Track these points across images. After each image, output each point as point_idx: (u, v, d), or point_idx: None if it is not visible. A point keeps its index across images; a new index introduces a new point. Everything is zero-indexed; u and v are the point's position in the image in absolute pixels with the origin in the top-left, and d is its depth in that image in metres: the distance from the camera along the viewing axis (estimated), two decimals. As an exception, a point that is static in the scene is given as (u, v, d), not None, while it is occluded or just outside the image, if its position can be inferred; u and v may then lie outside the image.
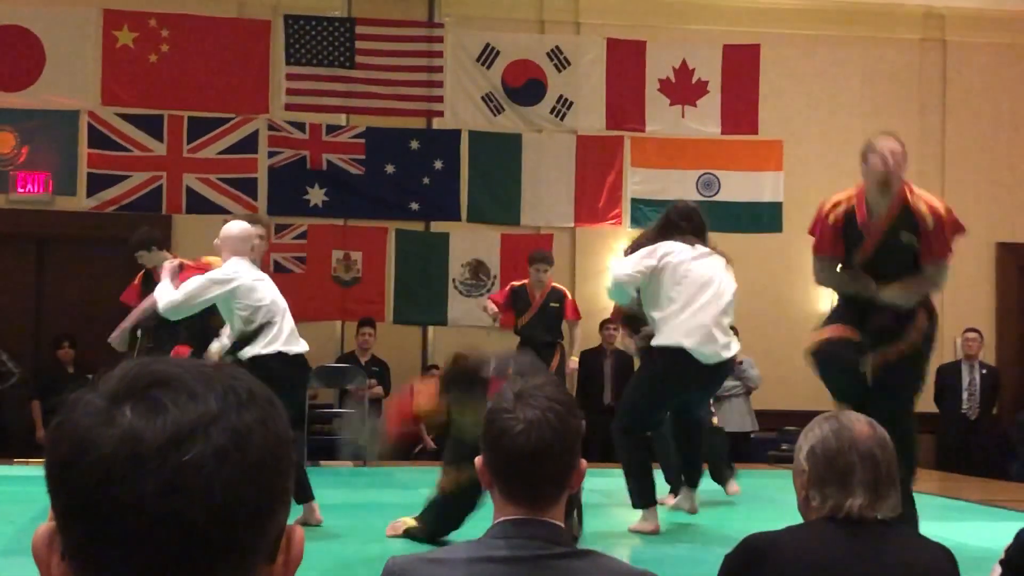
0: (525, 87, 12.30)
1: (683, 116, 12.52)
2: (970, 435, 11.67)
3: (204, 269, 6.75)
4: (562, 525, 2.15)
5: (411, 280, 12.11)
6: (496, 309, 9.88)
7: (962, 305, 11.91)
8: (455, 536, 5.42)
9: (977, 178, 12.83)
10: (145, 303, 7.55)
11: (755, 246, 12.16)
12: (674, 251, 6.42)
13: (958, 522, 6.48)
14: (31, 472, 8.52)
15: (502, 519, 2.13)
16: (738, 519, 7.02)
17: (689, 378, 6.39)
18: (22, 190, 11.57)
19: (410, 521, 5.74)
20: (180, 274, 6.57)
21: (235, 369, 0.97)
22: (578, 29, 12.57)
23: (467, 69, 12.24)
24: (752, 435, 11.48)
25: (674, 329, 6.31)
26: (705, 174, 12.49)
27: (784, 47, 12.59)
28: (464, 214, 12.23)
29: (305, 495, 6.28)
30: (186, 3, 11.85)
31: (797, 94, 12.70)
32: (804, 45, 12.71)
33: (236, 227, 6.54)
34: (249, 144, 11.89)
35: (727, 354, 6.49)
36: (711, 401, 7.91)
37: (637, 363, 7.62)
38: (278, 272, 10.98)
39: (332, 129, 12.06)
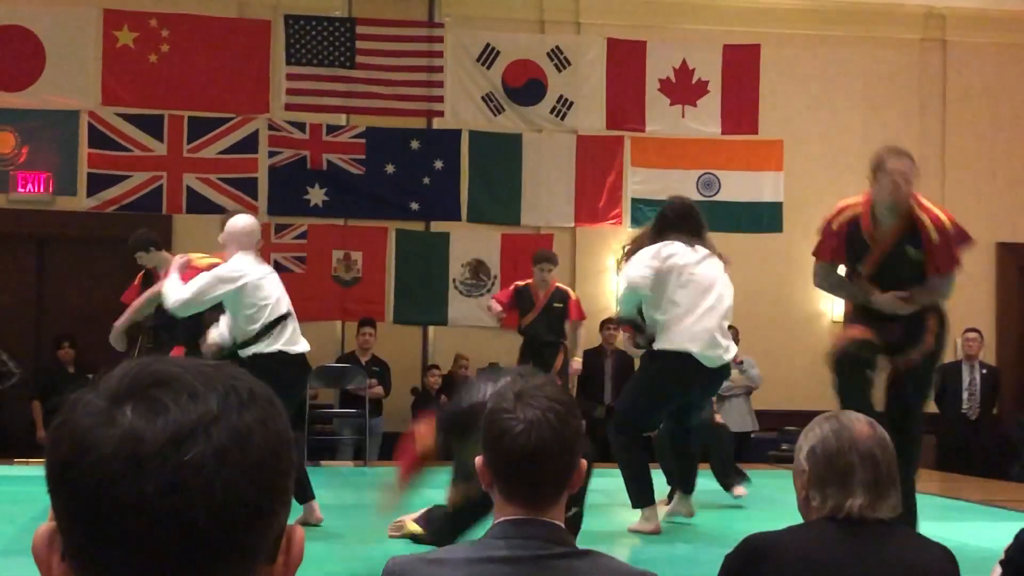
0: (525, 87, 12.30)
1: (683, 116, 12.52)
2: (970, 435, 11.67)
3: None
4: (562, 525, 2.15)
5: (411, 280, 12.11)
6: (500, 309, 9.89)
7: (962, 305, 11.85)
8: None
9: (977, 178, 12.83)
10: (137, 302, 7.53)
11: (755, 246, 12.16)
12: (678, 253, 6.42)
13: (958, 522, 6.49)
14: (31, 472, 8.53)
15: (502, 519, 2.13)
16: (738, 519, 7.03)
17: (692, 381, 6.47)
18: (22, 190, 11.57)
19: (410, 522, 5.73)
20: (185, 273, 6.53)
21: (236, 369, 0.97)
22: (578, 29, 12.57)
23: (467, 69, 12.25)
24: (752, 435, 11.48)
25: (679, 333, 6.36)
26: (705, 174, 12.49)
27: (784, 47, 12.59)
28: (464, 214, 12.23)
29: (305, 495, 6.28)
30: (186, 3, 11.85)
31: (797, 94, 12.70)
32: (804, 45, 12.71)
33: (241, 221, 6.53)
34: (249, 144, 11.89)
35: (728, 357, 6.59)
36: (714, 400, 7.92)
37: (637, 364, 7.62)
38: (278, 272, 10.95)
39: (332, 129, 12.06)
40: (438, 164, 12.18)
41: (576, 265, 12.20)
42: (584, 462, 2.20)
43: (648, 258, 6.42)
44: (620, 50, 12.42)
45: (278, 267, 11.44)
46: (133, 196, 11.66)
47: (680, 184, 12.10)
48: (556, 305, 9.93)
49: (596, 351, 11.32)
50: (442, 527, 5.51)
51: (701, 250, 6.52)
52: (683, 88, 12.51)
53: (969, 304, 12.22)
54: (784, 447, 10.87)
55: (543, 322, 9.90)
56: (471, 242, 12.21)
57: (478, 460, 2.20)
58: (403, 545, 5.51)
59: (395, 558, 2.16)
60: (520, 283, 10.12)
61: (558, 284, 10.12)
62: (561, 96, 12.36)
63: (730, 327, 6.79)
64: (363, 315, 11.68)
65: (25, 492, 7.27)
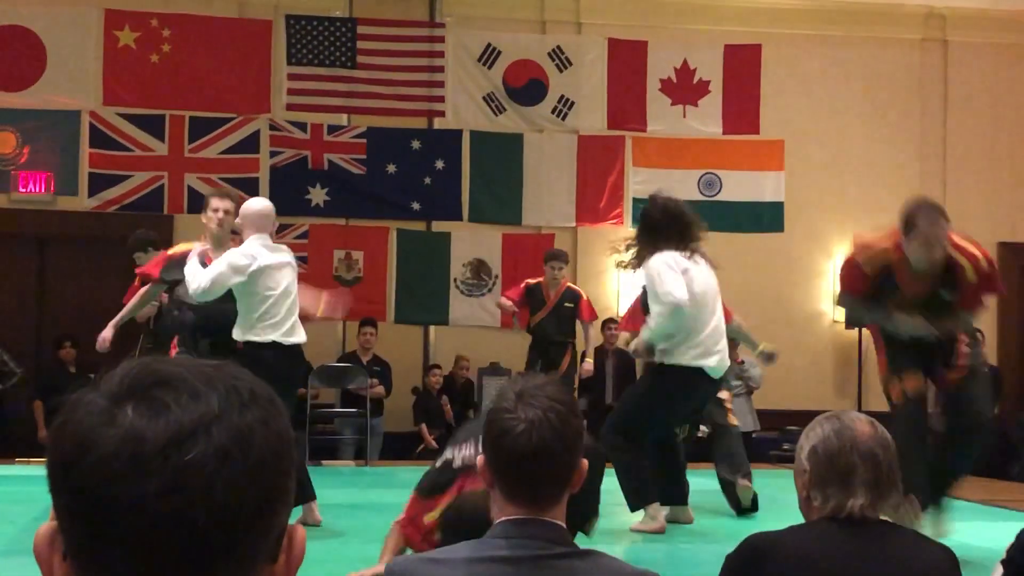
0: (526, 87, 12.30)
1: (684, 116, 12.52)
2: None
3: None
4: (563, 525, 2.15)
5: (412, 280, 12.12)
6: (512, 305, 9.89)
7: (963, 305, 11.89)
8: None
9: (978, 178, 12.83)
10: (132, 302, 7.51)
11: (756, 246, 12.17)
12: (688, 268, 6.35)
13: (959, 522, 6.47)
14: (33, 472, 8.53)
15: (503, 519, 2.13)
16: (739, 519, 7.03)
17: (699, 393, 6.59)
18: (24, 190, 11.58)
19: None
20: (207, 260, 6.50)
21: (237, 369, 0.97)
22: (579, 29, 12.57)
23: (468, 69, 12.25)
24: (754, 435, 11.47)
25: (693, 348, 6.38)
26: (706, 174, 12.49)
27: (785, 47, 12.59)
28: (465, 214, 12.23)
29: (305, 495, 6.27)
30: (187, 3, 11.85)
31: (798, 94, 12.70)
32: (805, 45, 12.72)
33: (257, 204, 6.53)
34: (250, 144, 11.89)
35: (727, 363, 6.67)
36: (727, 400, 7.84)
37: (639, 364, 7.61)
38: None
39: (333, 129, 12.06)
40: (439, 164, 12.18)
41: (577, 265, 12.20)
42: (585, 462, 2.20)
43: (675, 274, 6.26)
44: (621, 50, 12.42)
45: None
46: (134, 196, 11.66)
47: (681, 184, 12.10)
48: (567, 305, 9.93)
49: (597, 351, 11.31)
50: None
51: (696, 257, 6.44)
52: (684, 88, 12.51)
53: (970, 304, 12.22)
54: (785, 447, 10.86)
55: (553, 321, 9.90)
56: (472, 242, 12.21)
57: (479, 459, 2.20)
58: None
59: (396, 558, 2.16)
60: (531, 281, 10.12)
61: (569, 284, 10.13)
62: (562, 96, 12.36)
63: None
64: (364, 315, 11.66)
65: (26, 492, 7.27)
